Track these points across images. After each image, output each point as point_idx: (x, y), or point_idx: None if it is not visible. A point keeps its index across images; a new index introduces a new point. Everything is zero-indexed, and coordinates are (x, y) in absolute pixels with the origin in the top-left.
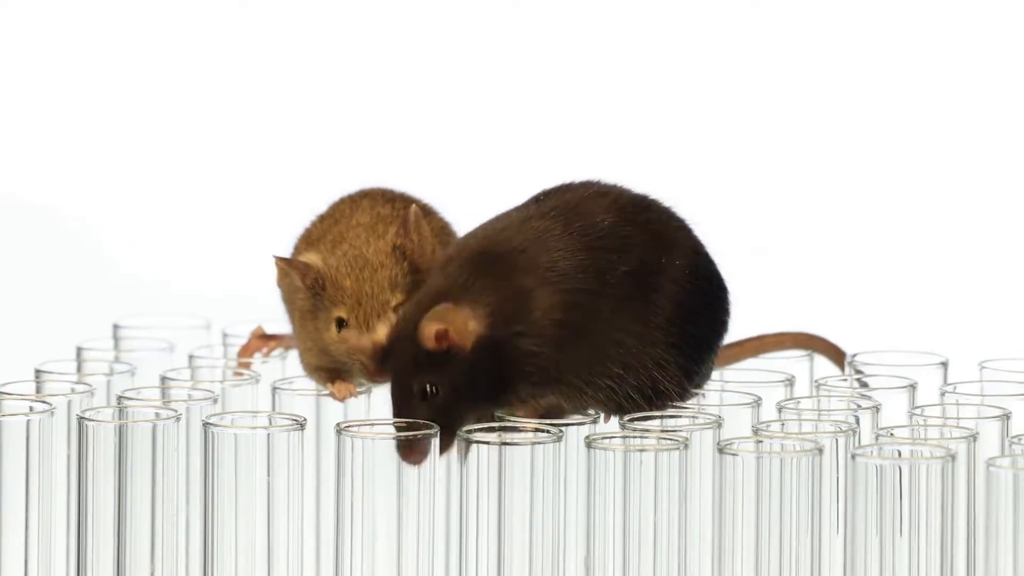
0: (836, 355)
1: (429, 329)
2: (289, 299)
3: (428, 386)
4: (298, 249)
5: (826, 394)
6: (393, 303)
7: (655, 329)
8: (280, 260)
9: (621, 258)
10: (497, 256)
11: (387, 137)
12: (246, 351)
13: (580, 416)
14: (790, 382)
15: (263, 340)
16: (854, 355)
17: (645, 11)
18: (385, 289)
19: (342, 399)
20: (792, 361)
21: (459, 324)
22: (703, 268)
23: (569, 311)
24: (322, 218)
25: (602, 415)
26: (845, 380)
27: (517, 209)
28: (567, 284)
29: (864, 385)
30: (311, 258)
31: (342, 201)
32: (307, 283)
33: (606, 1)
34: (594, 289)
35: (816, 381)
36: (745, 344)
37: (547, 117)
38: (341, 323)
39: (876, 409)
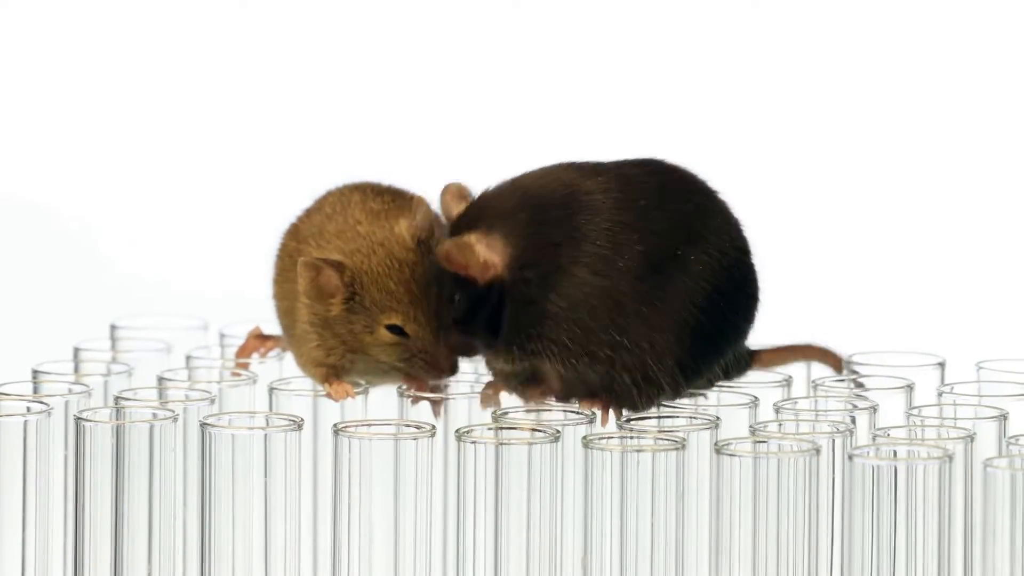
0: (835, 364)
1: (446, 253)
2: (283, 297)
3: (454, 294)
4: (286, 247)
5: (823, 394)
6: (440, 295)
7: (660, 316)
8: (314, 260)
9: (642, 238)
10: (540, 204)
11: (384, 137)
12: (243, 351)
13: (574, 412)
14: (787, 383)
15: (260, 340)
16: (851, 355)
17: (642, 11)
18: (431, 285)
19: (338, 399)
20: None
21: (475, 260)
22: (730, 269)
23: (580, 274)
24: (309, 213)
25: (599, 415)
26: (842, 381)
27: (581, 165)
28: (587, 248)
29: (860, 386)
30: (335, 257)
31: (329, 195)
32: (345, 280)
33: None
34: (608, 260)
35: (813, 381)
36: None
37: (544, 117)
38: (396, 330)
39: (873, 409)
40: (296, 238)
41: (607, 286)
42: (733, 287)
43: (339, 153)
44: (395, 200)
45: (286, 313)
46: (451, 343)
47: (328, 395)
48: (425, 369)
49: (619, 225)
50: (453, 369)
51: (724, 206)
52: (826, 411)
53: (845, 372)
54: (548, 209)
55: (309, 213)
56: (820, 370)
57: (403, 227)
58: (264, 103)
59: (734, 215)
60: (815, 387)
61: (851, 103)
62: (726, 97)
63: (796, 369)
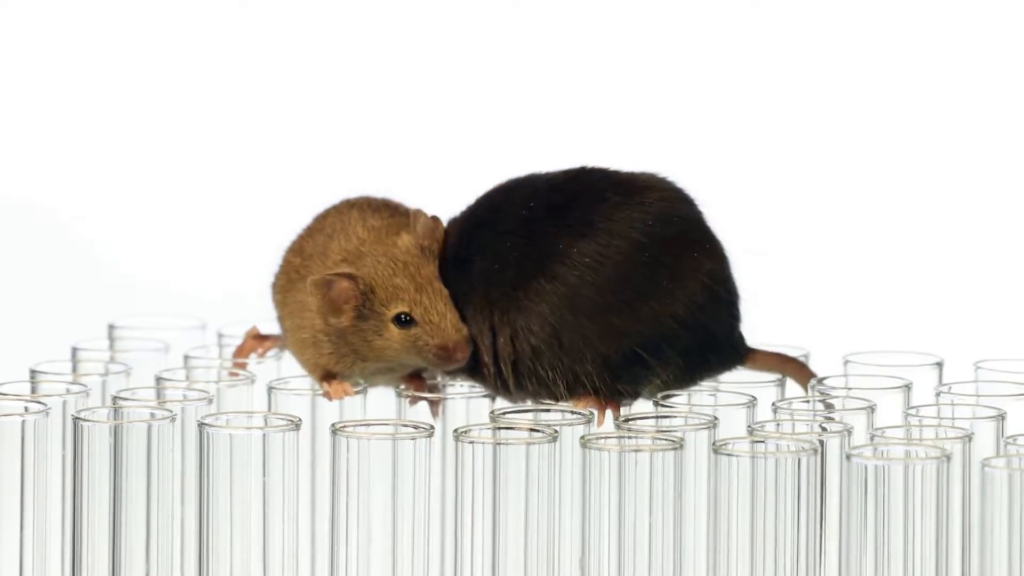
0: (803, 377)
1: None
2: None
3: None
4: (289, 263)
5: (821, 395)
6: (447, 293)
7: (568, 308)
8: (324, 276)
9: (561, 230)
10: (502, 189)
11: (379, 138)
12: (241, 352)
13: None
14: (782, 382)
15: (258, 340)
16: (821, 379)
17: (638, 12)
18: (438, 278)
19: (337, 399)
20: None
21: (439, 231)
22: (633, 264)
23: (500, 254)
24: (311, 232)
25: (596, 415)
26: (808, 402)
27: (513, 183)
28: (511, 231)
29: (829, 407)
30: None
31: (328, 214)
32: (361, 288)
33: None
34: (524, 242)
35: (812, 382)
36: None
37: (539, 118)
38: (403, 319)
39: (871, 409)
40: (300, 255)
41: (525, 268)
42: (639, 279)
43: (335, 154)
44: (393, 215)
45: (291, 322)
46: (462, 332)
47: (326, 394)
48: (437, 355)
49: (541, 218)
50: (466, 355)
51: (650, 205)
52: (824, 411)
53: (812, 393)
54: (501, 194)
55: (311, 232)
56: (816, 371)
57: (405, 240)
58: (261, 104)
59: (665, 210)
60: (813, 387)
61: (850, 104)
62: (724, 99)
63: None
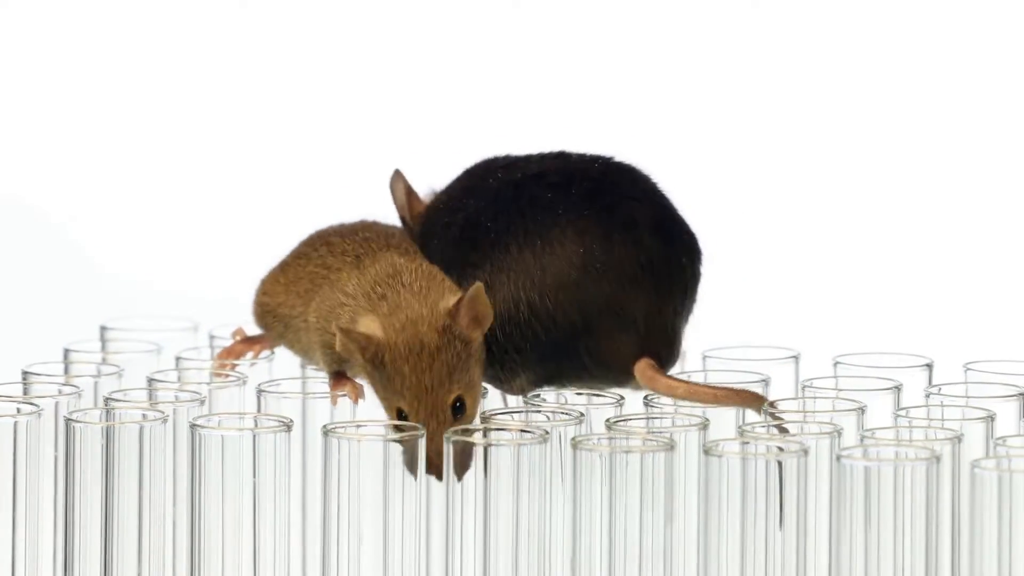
0: (756, 403)
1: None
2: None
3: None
4: (316, 266)
5: (811, 395)
6: (451, 398)
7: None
8: (342, 332)
9: (474, 205)
10: (474, 170)
11: (374, 138)
12: (230, 354)
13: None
14: (766, 382)
15: (248, 344)
16: (772, 401)
17: (636, 11)
18: (444, 381)
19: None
20: (776, 363)
21: (414, 205)
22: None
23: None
24: (297, 257)
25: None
26: (765, 426)
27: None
28: (462, 206)
29: (784, 431)
30: (368, 325)
31: (370, 247)
32: (367, 357)
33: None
34: (453, 216)
35: (802, 383)
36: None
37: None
38: (401, 414)
39: (861, 411)
40: (327, 267)
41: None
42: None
43: (330, 155)
44: (435, 277)
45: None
46: (439, 446)
47: (331, 398)
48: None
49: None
50: (438, 473)
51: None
52: (814, 412)
53: (765, 417)
54: (472, 175)
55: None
56: (809, 371)
57: (441, 310)
58: (253, 105)
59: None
60: (803, 388)
61: (841, 107)
62: (714, 101)
63: (783, 370)
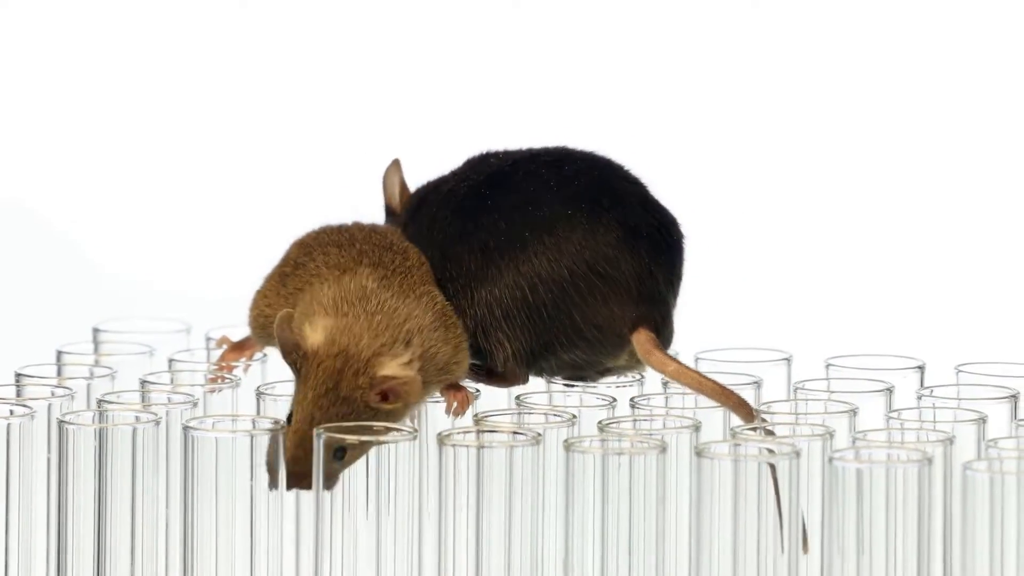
0: (746, 413)
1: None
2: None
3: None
4: (270, 304)
5: (803, 397)
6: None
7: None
8: (281, 321)
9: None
10: (469, 160)
11: (370, 140)
12: (224, 361)
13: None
14: (758, 384)
15: (238, 351)
16: (763, 404)
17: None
18: (331, 408)
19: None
20: (768, 365)
21: (404, 198)
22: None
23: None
24: (296, 268)
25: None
26: (755, 429)
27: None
28: (441, 205)
29: (771, 433)
30: (313, 330)
31: (321, 251)
32: (287, 357)
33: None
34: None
35: (794, 385)
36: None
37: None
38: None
39: (853, 413)
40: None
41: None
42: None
43: (327, 156)
44: (396, 315)
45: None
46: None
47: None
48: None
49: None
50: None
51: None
52: (806, 414)
53: (757, 421)
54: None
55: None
56: (801, 373)
57: (374, 370)
58: (249, 106)
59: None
60: (795, 390)
61: (833, 109)
62: (709, 101)
63: (775, 372)
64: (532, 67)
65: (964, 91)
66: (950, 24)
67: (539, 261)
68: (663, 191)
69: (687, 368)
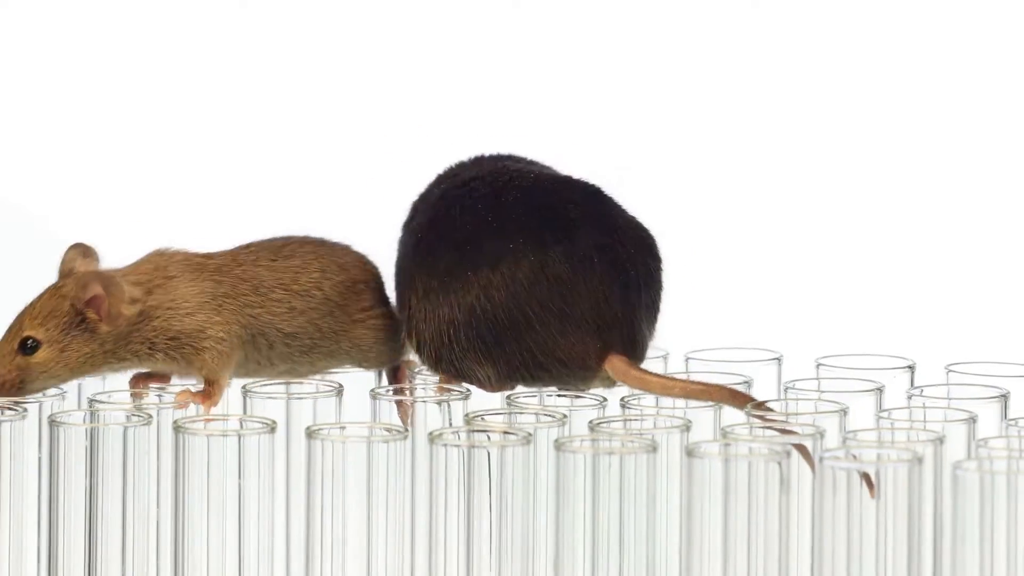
0: (741, 399)
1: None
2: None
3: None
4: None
5: (794, 397)
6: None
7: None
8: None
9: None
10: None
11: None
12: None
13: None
14: (749, 384)
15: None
16: (761, 402)
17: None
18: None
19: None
20: (759, 365)
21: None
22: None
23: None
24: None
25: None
26: (746, 427)
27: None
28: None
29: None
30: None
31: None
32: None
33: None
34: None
35: (784, 385)
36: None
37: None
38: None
39: (843, 412)
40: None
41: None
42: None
43: (324, 157)
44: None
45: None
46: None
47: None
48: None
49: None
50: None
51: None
52: (797, 414)
53: (748, 419)
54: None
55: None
56: (792, 373)
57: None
58: (247, 107)
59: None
60: (786, 390)
61: (826, 109)
62: (700, 102)
63: (766, 372)
64: (532, 67)
65: (957, 93)
66: (944, 25)
67: (488, 301)
68: (657, 192)
69: (669, 379)
